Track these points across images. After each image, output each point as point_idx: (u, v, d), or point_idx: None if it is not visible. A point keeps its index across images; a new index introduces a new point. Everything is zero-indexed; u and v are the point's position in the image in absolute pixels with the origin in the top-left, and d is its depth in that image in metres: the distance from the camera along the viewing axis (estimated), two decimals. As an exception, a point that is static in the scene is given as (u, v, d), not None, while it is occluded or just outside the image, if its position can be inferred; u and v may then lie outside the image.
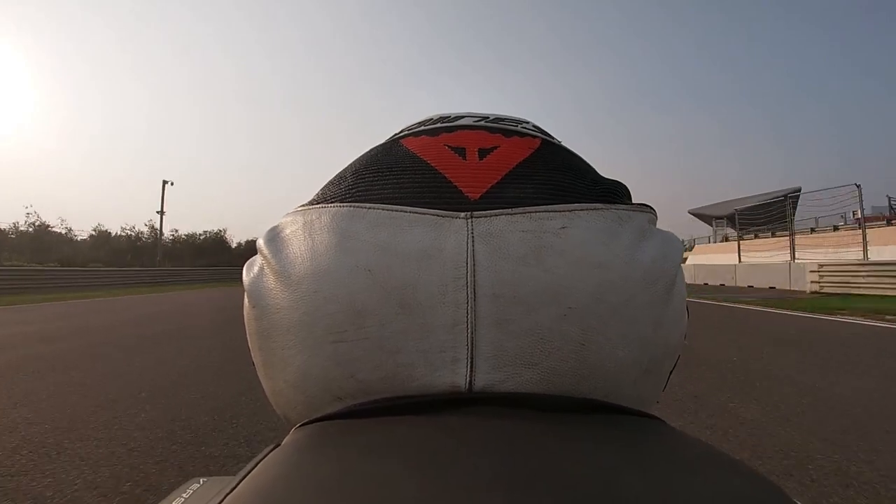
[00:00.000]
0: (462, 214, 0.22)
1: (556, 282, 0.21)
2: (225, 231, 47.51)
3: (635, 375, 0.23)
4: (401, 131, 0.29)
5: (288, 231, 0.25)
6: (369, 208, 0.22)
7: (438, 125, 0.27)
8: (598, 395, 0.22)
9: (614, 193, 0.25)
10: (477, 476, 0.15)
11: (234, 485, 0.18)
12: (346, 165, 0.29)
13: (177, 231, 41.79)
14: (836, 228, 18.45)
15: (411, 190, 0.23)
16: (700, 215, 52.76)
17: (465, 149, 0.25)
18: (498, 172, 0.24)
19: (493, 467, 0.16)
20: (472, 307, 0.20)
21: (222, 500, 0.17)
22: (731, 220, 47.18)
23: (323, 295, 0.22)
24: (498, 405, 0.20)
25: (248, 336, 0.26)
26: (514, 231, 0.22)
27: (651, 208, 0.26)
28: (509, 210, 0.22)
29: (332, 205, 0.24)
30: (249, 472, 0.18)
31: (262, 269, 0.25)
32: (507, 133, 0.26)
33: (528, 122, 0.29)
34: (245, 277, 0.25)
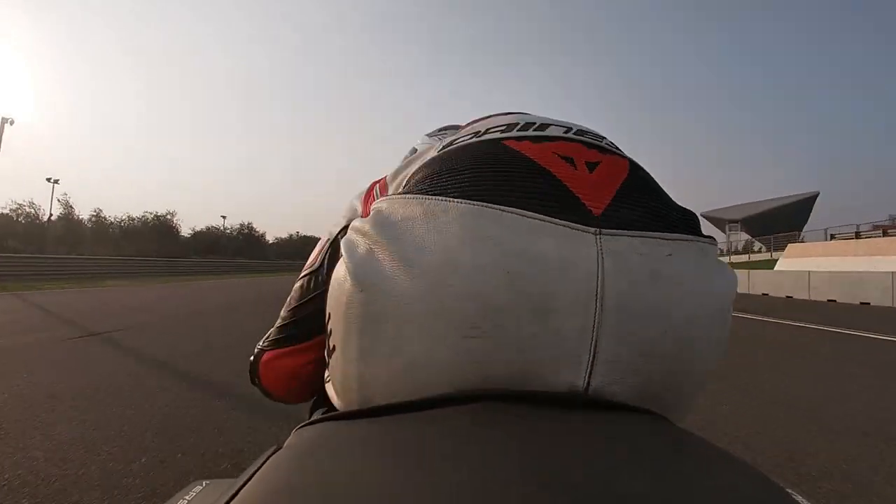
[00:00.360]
0: (592, 230, 0.23)
1: (663, 303, 0.24)
2: (173, 215, 42.27)
3: (702, 380, 0.27)
4: (482, 131, 0.30)
5: (402, 217, 0.25)
6: (505, 211, 0.23)
7: (531, 133, 0.29)
8: (678, 403, 0.26)
9: (695, 224, 0.28)
10: (480, 477, 0.15)
11: (237, 488, 0.18)
12: (425, 158, 0.31)
13: (99, 211, 36.94)
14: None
15: (540, 197, 0.24)
16: (712, 218, 51.71)
17: (573, 159, 0.26)
18: (609, 190, 0.25)
19: (497, 467, 0.16)
20: (598, 318, 0.22)
21: (227, 502, 0.17)
22: (745, 224, 46.45)
23: (457, 290, 0.22)
24: (502, 402, 0.21)
25: (339, 320, 0.26)
26: (633, 252, 0.24)
27: (714, 240, 0.29)
28: (629, 232, 0.24)
29: (460, 201, 0.24)
30: (252, 474, 0.19)
31: (371, 251, 0.25)
32: (602, 150, 0.28)
33: (604, 138, 0.31)
34: (347, 259, 0.26)
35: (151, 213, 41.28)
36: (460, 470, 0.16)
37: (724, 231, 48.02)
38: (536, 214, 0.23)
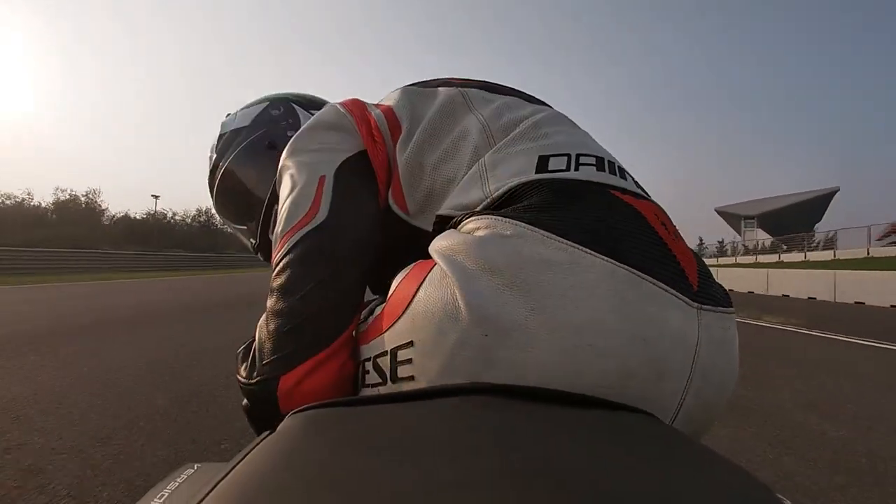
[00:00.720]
0: (696, 305, 0.28)
1: (727, 373, 0.30)
2: (97, 193, 33.56)
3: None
4: (568, 164, 0.32)
5: (542, 259, 0.25)
6: (644, 279, 0.26)
7: (618, 180, 0.32)
8: (710, 424, 0.32)
9: (728, 297, 0.32)
10: (468, 468, 0.16)
11: (227, 470, 0.18)
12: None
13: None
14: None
15: (661, 263, 0.27)
16: (727, 214, 50.07)
17: (665, 224, 0.31)
18: (692, 262, 0.30)
19: (487, 460, 0.16)
20: (686, 387, 0.27)
21: (216, 485, 0.17)
22: (761, 221, 45.02)
23: (595, 350, 0.24)
24: (495, 396, 0.22)
25: (434, 349, 0.25)
26: (715, 326, 0.28)
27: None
28: (713, 309, 0.29)
29: (606, 259, 0.26)
30: (244, 457, 0.19)
31: (501, 292, 0.25)
32: (661, 210, 0.33)
33: (614, 163, 0.35)
34: (461, 286, 0.25)
35: (66, 191, 31.51)
36: (445, 460, 0.16)
37: (738, 228, 46.53)
38: (663, 285, 0.27)
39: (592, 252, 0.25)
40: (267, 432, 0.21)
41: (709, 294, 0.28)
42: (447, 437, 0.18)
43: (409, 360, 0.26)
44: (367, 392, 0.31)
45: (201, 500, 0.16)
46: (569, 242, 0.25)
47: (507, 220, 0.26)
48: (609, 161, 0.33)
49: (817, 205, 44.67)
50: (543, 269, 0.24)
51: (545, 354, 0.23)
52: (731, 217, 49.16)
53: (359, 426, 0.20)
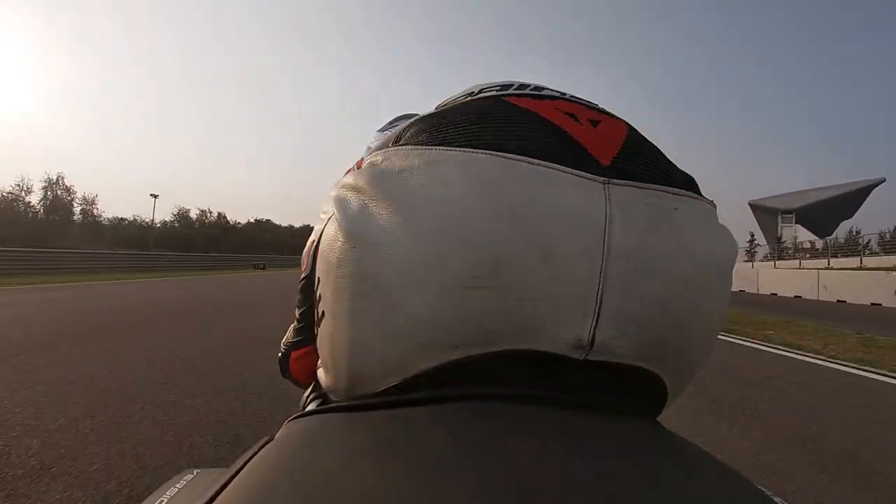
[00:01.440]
0: (600, 179, 0.23)
1: (670, 255, 0.23)
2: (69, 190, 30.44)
3: (704, 347, 0.26)
4: (476, 92, 0.31)
5: (400, 168, 0.24)
6: (513, 158, 0.23)
7: (529, 91, 0.29)
8: (680, 368, 0.25)
9: (694, 184, 0.27)
10: (469, 478, 0.15)
11: (227, 478, 0.18)
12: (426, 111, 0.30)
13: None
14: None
15: (547, 146, 0.23)
16: (760, 208, 47.33)
17: (576, 115, 0.26)
18: (614, 144, 0.25)
19: (488, 470, 0.16)
20: (604, 268, 0.22)
21: (216, 494, 0.17)
22: (800, 215, 42.51)
23: (458, 238, 0.22)
24: (493, 402, 0.21)
25: (328, 282, 0.25)
26: (640, 203, 0.23)
27: (714, 205, 0.28)
28: (637, 183, 0.23)
29: (464, 149, 0.23)
30: (243, 465, 0.19)
31: (365, 206, 0.24)
32: (600, 111, 0.28)
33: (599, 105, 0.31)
34: (340, 216, 0.25)
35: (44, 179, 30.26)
36: (450, 470, 0.16)
37: (771, 224, 44.25)
38: (544, 162, 0.23)
39: (448, 147, 0.23)
40: (266, 438, 0.21)
41: (629, 170, 0.23)
42: (446, 444, 0.18)
43: (320, 297, 0.26)
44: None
45: None
46: (425, 147, 0.24)
47: (384, 150, 0.26)
48: (522, 84, 0.31)
49: (858, 197, 42.06)
50: (399, 177, 0.23)
51: (408, 255, 0.22)
52: (765, 212, 46.54)
53: (358, 433, 0.20)
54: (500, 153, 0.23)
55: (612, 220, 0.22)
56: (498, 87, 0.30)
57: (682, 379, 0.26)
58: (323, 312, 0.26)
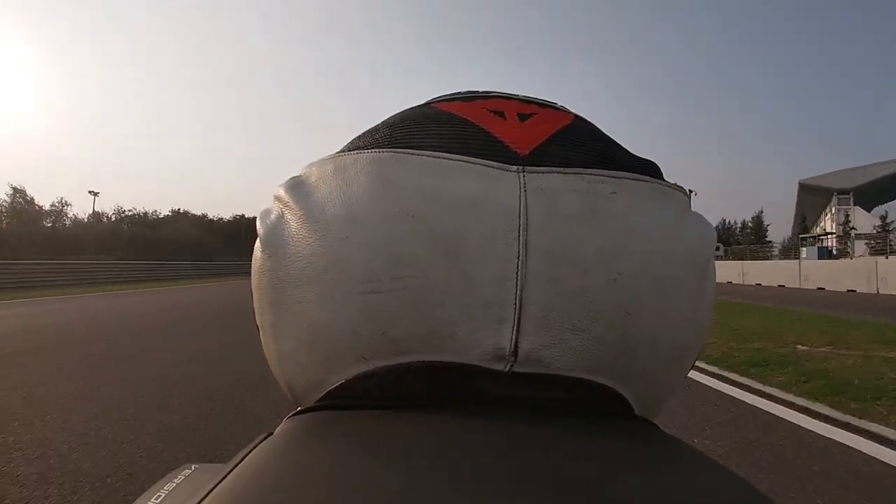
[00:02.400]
0: (514, 168, 0.21)
1: (608, 245, 0.20)
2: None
3: (669, 357, 0.23)
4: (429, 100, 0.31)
5: (315, 177, 0.24)
6: (413, 153, 0.21)
7: (464, 95, 0.28)
8: (636, 372, 0.22)
9: (652, 169, 0.24)
10: (466, 477, 0.15)
11: (225, 472, 0.18)
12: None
13: None
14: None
15: (456, 140, 0.22)
16: (812, 188, 43.14)
17: (504, 112, 0.24)
18: (541, 134, 0.23)
19: (485, 469, 0.16)
20: (522, 262, 0.19)
21: (213, 488, 0.17)
22: (857, 195, 38.33)
23: (355, 240, 0.20)
24: (500, 406, 0.20)
25: (256, 295, 0.25)
26: (566, 190, 0.21)
27: (685, 190, 0.26)
28: (562, 169, 0.21)
29: (370, 150, 0.23)
30: (241, 460, 0.19)
31: (281, 215, 0.24)
32: (541, 105, 0.26)
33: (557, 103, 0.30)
34: (260, 227, 0.24)
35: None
36: (449, 469, 0.16)
37: (823, 207, 40.28)
38: (448, 154, 0.21)
39: (357, 151, 0.23)
40: (265, 433, 0.21)
41: (556, 156, 0.21)
42: (445, 443, 0.18)
43: (254, 311, 0.26)
44: None
45: (199, 503, 0.17)
46: (339, 154, 0.24)
47: (309, 163, 0.26)
48: (475, 90, 0.29)
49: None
50: (313, 185, 0.23)
51: (312, 261, 0.21)
52: (819, 191, 42.65)
53: (357, 430, 0.19)
54: (402, 150, 0.22)
55: (529, 209, 0.20)
56: (447, 95, 0.30)
57: (648, 394, 0.23)
58: (258, 326, 0.26)
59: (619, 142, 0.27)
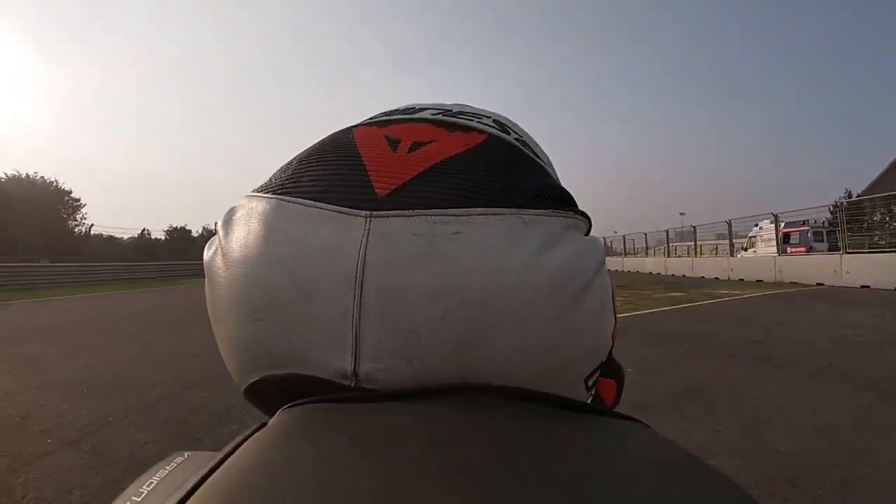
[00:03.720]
0: (363, 213, 0.24)
1: (439, 286, 0.23)
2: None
3: (532, 379, 0.24)
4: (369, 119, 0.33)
5: (237, 215, 0.28)
6: (290, 202, 0.25)
7: (395, 116, 0.31)
8: (506, 383, 0.24)
9: (538, 199, 0.26)
10: (457, 470, 0.16)
11: (217, 461, 0.18)
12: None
13: None
14: None
15: (330, 183, 0.25)
16: (874, 198, 37.78)
17: (400, 140, 0.27)
18: (416, 168, 0.25)
19: (475, 462, 0.16)
20: (358, 302, 0.23)
21: (204, 477, 0.18)
22: None
23: (250, 279, 0.25)
24: (493, 396, 0.22)
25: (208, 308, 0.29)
26: (406, 233, 0.23)
27: (579, 215, 0.27)
28: (406, 212, 0.24)
29: (268, 195, 0.27)
30: (233, 450, 0.19)
31: (217, 249, 0.28)
32: (452, 128, 0.29)
33: (491, 117, 0.32)
34: (205, 255, 0.29)
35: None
36: (437, 461, 0.16)
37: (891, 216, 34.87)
38: (314, 203, 0.25)
39: (262, 194, 0.27)
40: (258, 424, 0.22)
41: (412, 197, 0.24)
42: (441, 436, 0.18)
43: None
44: None
45: (191, 491, 0.17)
46: (251, 194, 0.28)
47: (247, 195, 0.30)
48: (412, 108, 0.33)
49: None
50: (233, 225, 0.28)
51: (224, 291, 0.26)
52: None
53: (351, 423, 0.20)
54: (284, 198, 0.26)
55: (368, 254, 0.23)
56: (381, 114, 0.33)
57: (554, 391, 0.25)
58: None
59: (539, 159, 0.30)
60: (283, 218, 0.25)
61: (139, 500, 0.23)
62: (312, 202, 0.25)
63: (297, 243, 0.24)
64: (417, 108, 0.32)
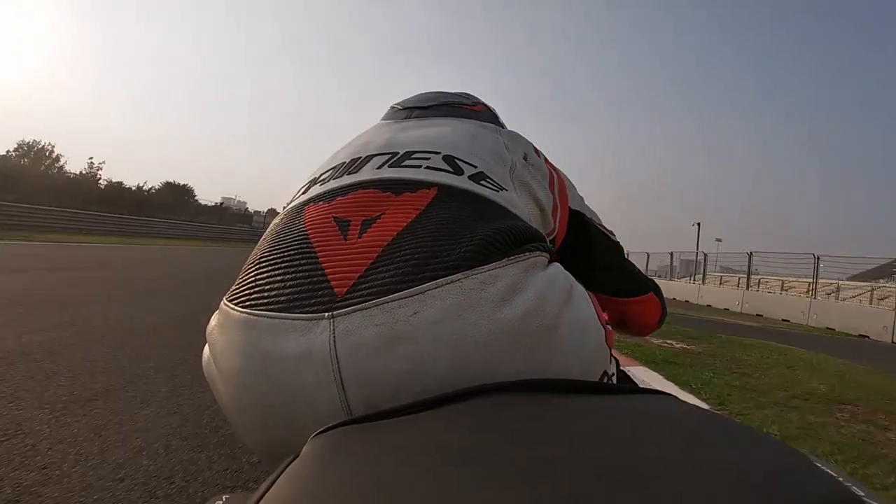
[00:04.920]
0: (326, 315, 0.26)
1: (412, 367, 0.25)
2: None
3: None
4: (307, 185, 0.35)
5: (213, 326, 0.31)
6: (260, 316, 0.28)
7: (333, 185, 0.32)
8: None
9: (493, 249, 0.27)
10: (495, 467, 0.16)
11: (256, 499, 0.18)
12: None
13: None
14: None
15: (291, 291, 0.27)
16: None
17: (349, 222, 0.29)
18: (369, 256, 0.27)
19: (511, 456, 0.16)
20: (343, 398, 0.25)
21: None
22: None
23: (243, 400, 0.28)
24: (512, 392, 0.22)
25: None
26: (368, 326, 0.25)
27: (537, 250, 0.28)
28: (363, 305, 0.26)
29: (239, 310, 0.29)
30: (271, 485, 0.19)
31: (209, 360, 0.32)
32: (399, 189, 0.30)
33: (438, 154, 0.33)
34: (203, 362, 0.33)
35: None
36: (476, 464, 0.16)
37: None
38: (280, 314, 0.27)
39: (233, 307, 0.30)
40: (291, 458, 0.22)
41: (370, 288, 0.26)
42: (473, 441, 0.18)
43: None
44: None
45: None
46: (226, 304, 0.31)
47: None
48: (363, 157, 0.34)
49: None
50: (214, 334, 0.31)
51: (220, 394, 0.30)
52: None
53: (381, 441, 0.20)
54: (255, 312, 0.28)
55: (338, 353, 0.25)
56: (325, 176, 0.34)
57: None
58: None
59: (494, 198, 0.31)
60: (253, 332, 0.28)
61: None
62: (278, 314, 0.27)
63: (275, 357, 0.27)
64: (364, 157, 0.34)
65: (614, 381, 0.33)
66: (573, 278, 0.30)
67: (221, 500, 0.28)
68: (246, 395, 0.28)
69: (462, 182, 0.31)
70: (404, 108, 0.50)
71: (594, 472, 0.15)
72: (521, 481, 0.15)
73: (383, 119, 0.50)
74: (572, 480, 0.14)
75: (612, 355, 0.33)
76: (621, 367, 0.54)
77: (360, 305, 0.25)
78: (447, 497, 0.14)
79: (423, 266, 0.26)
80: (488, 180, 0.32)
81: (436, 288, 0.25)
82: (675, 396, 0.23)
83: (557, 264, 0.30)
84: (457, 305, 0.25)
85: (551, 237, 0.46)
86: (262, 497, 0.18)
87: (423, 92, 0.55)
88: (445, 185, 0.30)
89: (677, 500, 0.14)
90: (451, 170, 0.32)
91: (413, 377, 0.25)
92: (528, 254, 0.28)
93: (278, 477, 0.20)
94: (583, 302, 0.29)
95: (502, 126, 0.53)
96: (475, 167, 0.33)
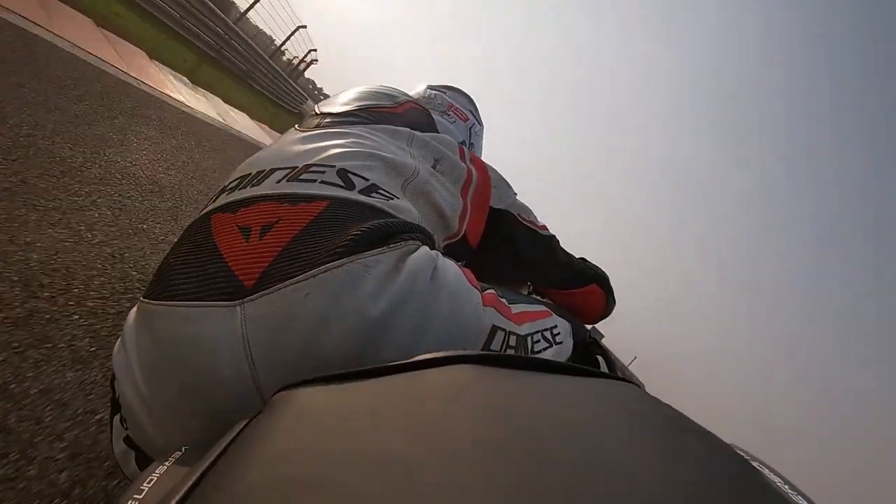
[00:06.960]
0: (236, 302, 0.29)
1: (307, 344, 0.28)
2: None
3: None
4: (220, 191, 0.39)
5: (129, 323, 0.34)
6: (173, 306, 0.31)
7: (243, 194, 0.36)
8: None
9: (373, 240, 0.32)
10: (456, 438, 0.16)
11: (219, 451, 0.19)
12: None
13: None
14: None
15: (205, 283, 0.31)
16: None
17: (250, 229, 0.32)
18: (270, 254, 0.31)
19: (474, 428, 0.16)
20: (254, 376, 0.29)
21: (208, 467, 0.18)
22: None
23: (160, 387, 0.30)
24: (478, 364, 0.22)
25: None
26: (272, 308, 0.29)
27: (412, 238, 0.34)
28: (267, 292, 0.29)
29: (152, 303, 0.32)
30: (233, 439, 0.19)
31: (122, 354, 0.34)
32: (295, 201, 0.34)
33: (333, 167, 0.37)
34: (114, 358, 0.34)
35: None
36: (438, 432, 0.16)
37: None
38: (194, 303, 0.30)
39: (148, 301, 0.33)
40: (256, 411, 0.22)
41: (274, 276, 0.30)
42: (439, 408, 0.18)
43: None
44: None
45: (195, 482, 0.17)
46: (141, 301, 0.34)
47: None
48: (266, 170, 0.37)
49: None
50: (133, 327, 0.33)
51: (141, 389, 0.31)
52: None
53: (345, 402, 0.20)
54: (167, 303, 0.31)
55: (248, 336, 0.29)
56: (231, 186, 0.38)
57: None
58: None
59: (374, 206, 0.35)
60: (168, 321, 0.31)
61: (140, 497, 0.22)
62: (192, 303, 0.30)
63: (192, 342, 0.30)
64: (266, 171, 0.37)
65: (518, 337, 0.38)
66: (440, 255, 0.35)
67: (181, 450, 0.28)
68: (164, 381, 0.30)
69: (352, 195, 0.35)
70: (318, 114, 0.53)
71: (543, 449, 0.15)
72: (481, 457, 0.15)
73: (298, 126, 0.52)
74: (522, 459, 0.15)
75: (505, 314, 0.38)
76: (601, 343, 0.62)
77: (264, 291, 0.30)
78: (402, 462, 0.15)
79: (314, 256, 0.31)
80: (379, 192, 0.37)
81: (325, 272, 0.30)
82: (638, 387, 0.24)
83: (425, 247, 0.35)
84: (343, 283, 0.30)
85: (456, 238, 0.50)
86: (224, 450, 0.19)
87: (350, 90, 0.59)
88: (336, 198, 0.35)
89: (618, 479, 0.14)
90: (343, 184, 0.36)
91: (309, 352, 0.29)
92: (403, 243, 0.33)
93: (242, 430, 0.20)
94: (450, 272, 0.35)
95: (431, 127, 0.59)
96: (367, 180, 0.37)
